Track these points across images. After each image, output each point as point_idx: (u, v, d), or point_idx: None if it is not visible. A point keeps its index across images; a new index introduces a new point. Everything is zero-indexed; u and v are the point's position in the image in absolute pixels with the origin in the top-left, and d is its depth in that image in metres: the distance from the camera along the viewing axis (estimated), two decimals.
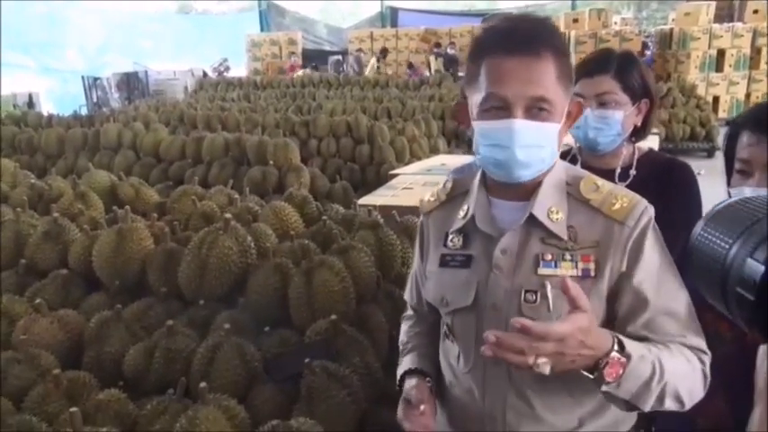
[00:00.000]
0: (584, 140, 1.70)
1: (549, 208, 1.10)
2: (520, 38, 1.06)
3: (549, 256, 1.09)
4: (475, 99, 1.10)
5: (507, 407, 1.15)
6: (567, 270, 1.08)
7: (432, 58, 13.43)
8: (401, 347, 1.38)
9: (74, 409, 1.35)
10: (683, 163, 1.76)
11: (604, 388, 0.97)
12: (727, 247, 0.53)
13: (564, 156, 1.79)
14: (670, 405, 1.04)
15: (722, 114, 11.21)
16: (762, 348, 0.63)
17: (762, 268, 0.49)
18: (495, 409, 1.16)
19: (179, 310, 2.03)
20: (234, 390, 1.61)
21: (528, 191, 1.13)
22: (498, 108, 1.06)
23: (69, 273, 2.22)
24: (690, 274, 0.61)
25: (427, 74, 12.35)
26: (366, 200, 3.22)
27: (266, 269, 1.96)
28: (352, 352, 1.74)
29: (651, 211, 1.10)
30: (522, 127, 1.05)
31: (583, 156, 1.77)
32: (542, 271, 1.08)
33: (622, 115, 1.66)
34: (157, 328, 1.84)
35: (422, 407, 1.15)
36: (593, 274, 1.07)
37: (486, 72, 1.07)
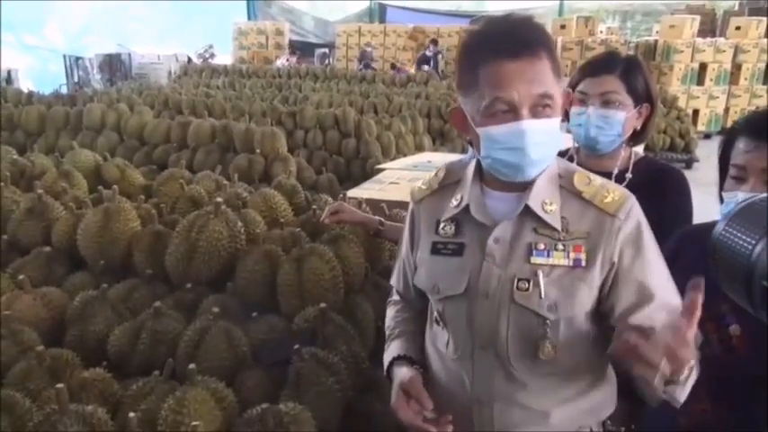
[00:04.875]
0: (585, 139, 1.72)
1: (544, 200, 1.14)
2: (518, 40, 1.09)
3: (542, 246, 1.13)
4: (475, 105, 1.12)
5: (495, 391, 1.18)
6: (558, 259, 1.12)
7: (439, 57, 13.43)
8: (387, 332, 1.41)
9: (60, 385, 1.33)
10: (678, 171, 1.80)
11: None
12: (753, 242, 0.56)
13: (561, 156, 1.82)
14: None
15: (701, 127, 11.38)
16: None
17: None
18: (482, 393, 1.19)
19: (165, 293, 2.00)
20: (220, 374, 1.59)
21: (522, 182, 1.16)
22: (504, 111, 1.09)
23: (52, 250, 2.19)
24: (712, 268, 0.64)
25: (411, 71, 12.32)
26: (353, 192, 3.22)
27: (255, 255, 1.95)
28: (340, 341, 1.74)
29: (639, 206, 1.16)
30: (532, 127, 1.09)
31: (580, 157, 1.79)
32: (535, 260, 1.12)
33: (624, 116, 1.68)
34: (143, 310, 1.82)
35: (427, 410, 1.15)
36: (583, 264, 1.11)
37: (488, 77, 1.09)
